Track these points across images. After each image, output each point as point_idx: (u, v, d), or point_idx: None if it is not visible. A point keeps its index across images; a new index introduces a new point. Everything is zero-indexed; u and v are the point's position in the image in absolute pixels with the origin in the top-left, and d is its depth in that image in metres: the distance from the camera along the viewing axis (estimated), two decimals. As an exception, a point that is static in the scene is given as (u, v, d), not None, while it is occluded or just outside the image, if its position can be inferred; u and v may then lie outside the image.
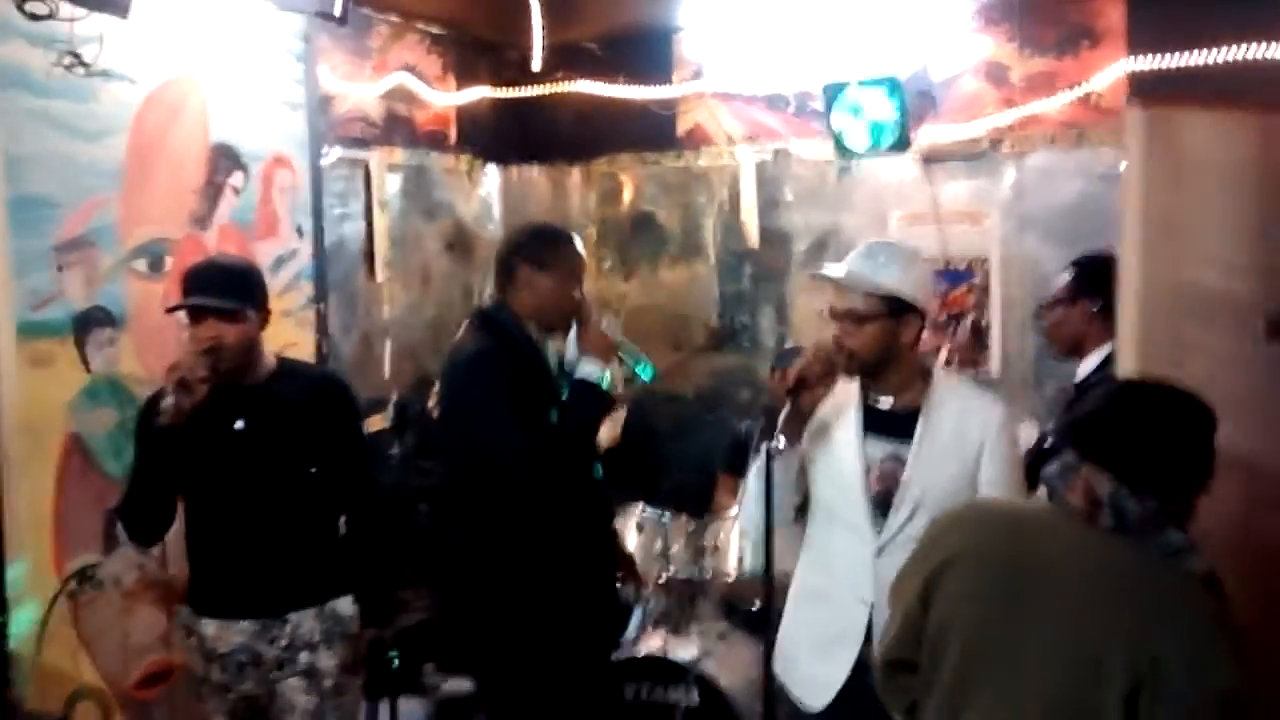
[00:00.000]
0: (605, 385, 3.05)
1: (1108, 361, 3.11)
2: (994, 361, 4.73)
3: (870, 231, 4.99)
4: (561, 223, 5.73)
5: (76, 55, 3.09)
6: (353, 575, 3.08)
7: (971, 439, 2.45)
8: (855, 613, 2.48)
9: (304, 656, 2.99)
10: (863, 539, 2.48)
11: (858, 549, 2.49)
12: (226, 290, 2.86)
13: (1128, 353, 2.53)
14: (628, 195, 5.62)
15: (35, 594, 3.13)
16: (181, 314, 2.91)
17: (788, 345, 5.16)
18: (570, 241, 3.18)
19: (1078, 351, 3.22)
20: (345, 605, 3.06)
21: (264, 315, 2.97)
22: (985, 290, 4.72)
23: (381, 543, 3.15)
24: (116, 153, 3.34)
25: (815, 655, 2.55)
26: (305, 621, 3.00)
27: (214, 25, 3.65)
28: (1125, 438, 1.79)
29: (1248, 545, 2.55)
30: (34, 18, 2.99)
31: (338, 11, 3.75)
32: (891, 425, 2.51)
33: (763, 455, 2.47)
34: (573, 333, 3.11)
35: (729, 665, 3.85)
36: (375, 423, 4.67)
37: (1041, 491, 1.93)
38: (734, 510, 4.16)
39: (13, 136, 3.06)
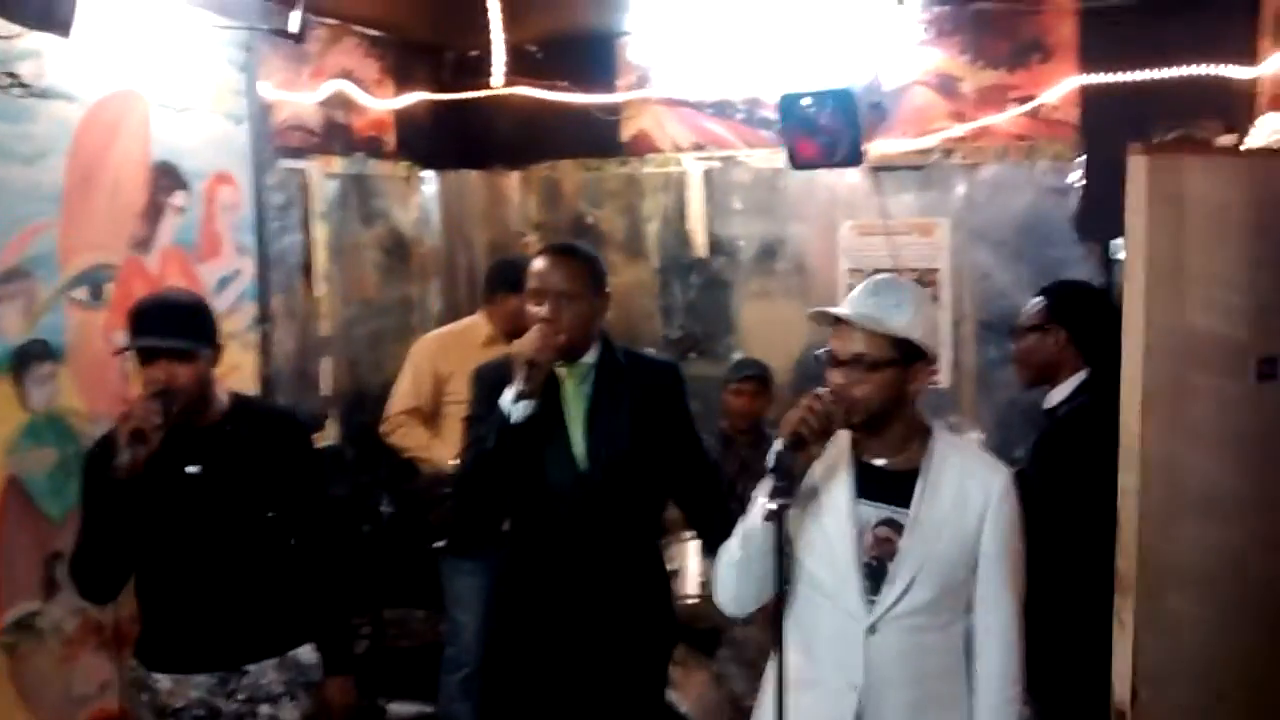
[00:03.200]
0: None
1: (1081, 388, 3.11)
2: (943, 372, 4.74)
3: (819, 242, 5.00)
4: (499, 229, 5.66)
5: (14, 75, 2.91)
6: (314, 621, 2.95)
7: (973, 505, 2.20)
8: (844, 700, 2.19)
9: (265, 710, 2.85)
10: (853, 615, 2.20)
11: (847, 626, 2.20)
12: (178, 329, 2.70)
13: (1132, 396, 2.49)
14: (568, 201, 5.52)
15: (-27, 647, 2.96)
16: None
17: (736, 356, 5.13)
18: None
19: (1049, 379, 3.19)
20: (307, 653, 2.92)
21: (216, 352, 2.82)
22: (934, 301, 4.72)
23: (343, 586, 3.02)
24: (55, 175, 3.15)
25: None
26: (266, 672, 2.85)
27: (153, 38, 3.46)
28: None
29: (1247, 582, 2.55)
30: (-33, 37, 2.80)
31: (295, 28, 3.57)
32: (886, 487, 2.22)
33: (753, 517, 2.20)
34: None
35: (688, 691, 3.79)
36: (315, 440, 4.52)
37: None
38: (689, 532, 4.11)
39: (-55, 162, 2.87)
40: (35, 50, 3.01)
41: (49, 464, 3.14)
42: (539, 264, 2.86)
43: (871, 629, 2.19)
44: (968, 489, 2.21)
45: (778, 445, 2.12)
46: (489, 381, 2.94)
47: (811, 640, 2.27)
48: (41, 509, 3.12)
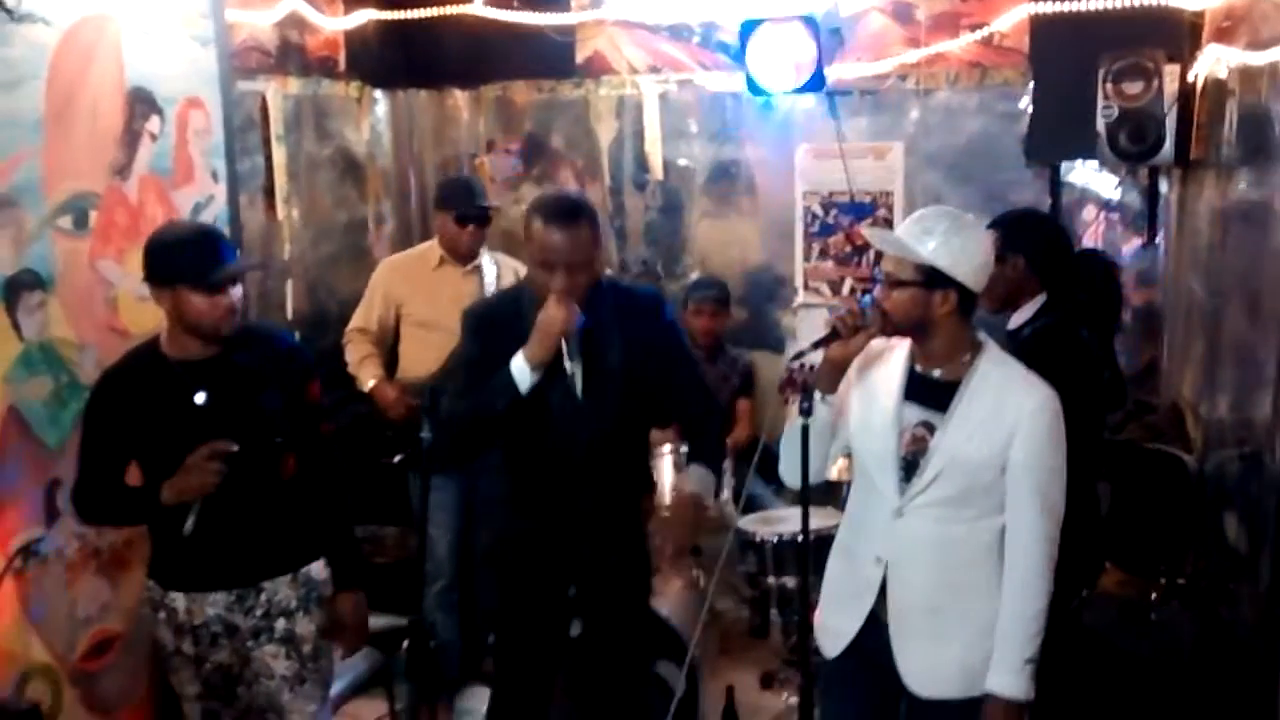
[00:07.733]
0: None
1: (1042, 310, 3.28)
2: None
3: (775, 164, 5.10)
4: (450, 149, 5.65)
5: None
6: (323, 539, 3.04)
7: (1006, 418, 2.43)
8: (871, 570, 2.54)
9: (281, 624, 2.95)
10: (886, 499, 2.52)
11: (880, 508, 2.53)
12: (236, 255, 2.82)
13: None
14: (519, 122, 5.53)
15: (-19, 575, 2.99)
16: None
17: (694, 276, 5.25)
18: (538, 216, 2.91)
19: (1012, 305, 3.35)
20: (318, 569, 3.02)
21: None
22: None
23: (346, 503, 3.11)
24: (34, 102, 3.09)
25: (835, 607, 2.66)
26: (281, 588, 2.95)
27: (122, -42, 3.40)
28: None
29: None
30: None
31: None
32: (932, 393, 2.51)
33: (797, 407, 2.53)
34: None
35: (667, 596, 3.96)
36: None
37: None
38: (666, 446, 4.26)
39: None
40: (16, -27, 2.97)
41: (44, 393, 3.14)
42: (549, 236, 2.81)
43: (899, 512, 2.52)
44: (1004, 402, 2.46)
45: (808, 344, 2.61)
46: (480, 322, 3.02)
47: (857, 518, 2.67)
48: (39, 437, 3.13)
